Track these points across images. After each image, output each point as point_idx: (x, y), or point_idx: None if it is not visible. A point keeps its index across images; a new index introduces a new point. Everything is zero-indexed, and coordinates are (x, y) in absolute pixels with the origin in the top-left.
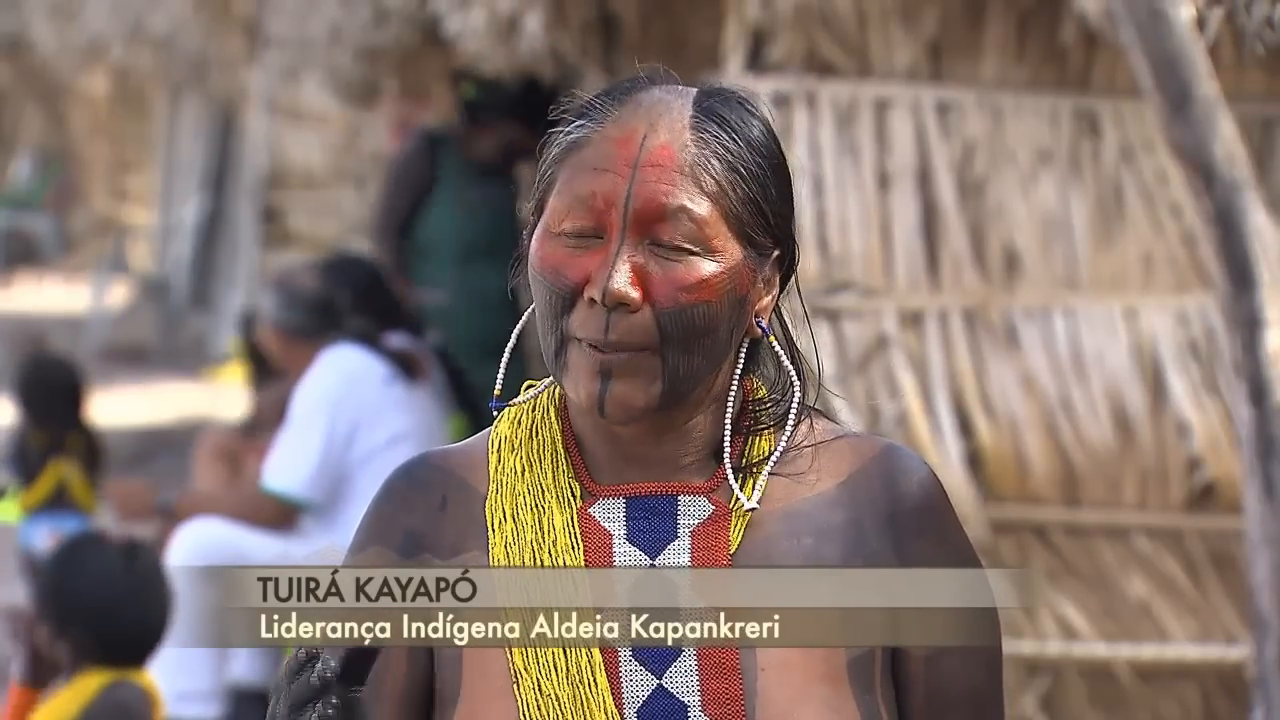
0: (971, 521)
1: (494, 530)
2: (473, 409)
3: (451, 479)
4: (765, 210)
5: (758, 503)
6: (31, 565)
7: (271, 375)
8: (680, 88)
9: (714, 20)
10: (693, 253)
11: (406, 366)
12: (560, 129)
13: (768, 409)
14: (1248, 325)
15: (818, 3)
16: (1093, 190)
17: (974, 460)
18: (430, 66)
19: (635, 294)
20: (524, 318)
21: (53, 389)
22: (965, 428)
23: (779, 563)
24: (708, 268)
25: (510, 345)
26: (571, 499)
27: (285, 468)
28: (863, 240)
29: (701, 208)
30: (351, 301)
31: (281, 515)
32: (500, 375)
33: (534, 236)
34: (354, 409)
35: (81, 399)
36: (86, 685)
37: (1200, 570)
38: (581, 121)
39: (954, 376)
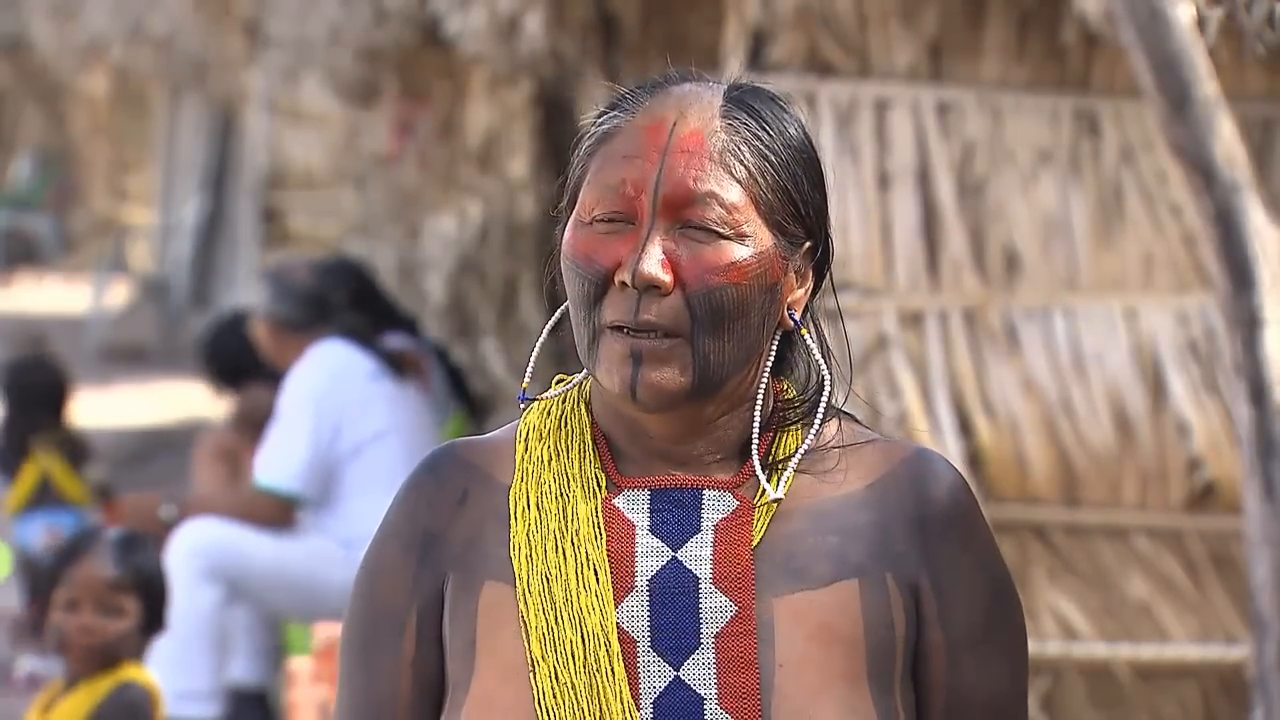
0: None
1: (517, 518)
2: (472, 408)
3: (475, 472)
4: (795, 199)
5: (783, 495)
6: (27, 564)
7: (243, 379)
8: (711, 82)
9: (714, 20)
10: (723, 236)
11: (396, 364)
12: (592, 122)
13: (796, 408)
14: (1247, 325)
15: (818, 3)
16: (1093, 190)
17: (974, 460)
18: (430, 66)
19: (666, 276)
20: (557, 314)
21: (34, 386)
22: (965, 428)
23: (802, 558)
24: (737, 251)
25: (540, 340)
26: (597, 489)
27: (275, 464)
28: (863, 240)
29: (731, 193)
30: (347, 299)
31: (278, 512)
32: (529, 369)
33: (566, 228)
34: (339, 404)
35: (63, 397)
36: (96, 687)
37: (1200, 570)
38: (613, 113)
39: (954, 376)
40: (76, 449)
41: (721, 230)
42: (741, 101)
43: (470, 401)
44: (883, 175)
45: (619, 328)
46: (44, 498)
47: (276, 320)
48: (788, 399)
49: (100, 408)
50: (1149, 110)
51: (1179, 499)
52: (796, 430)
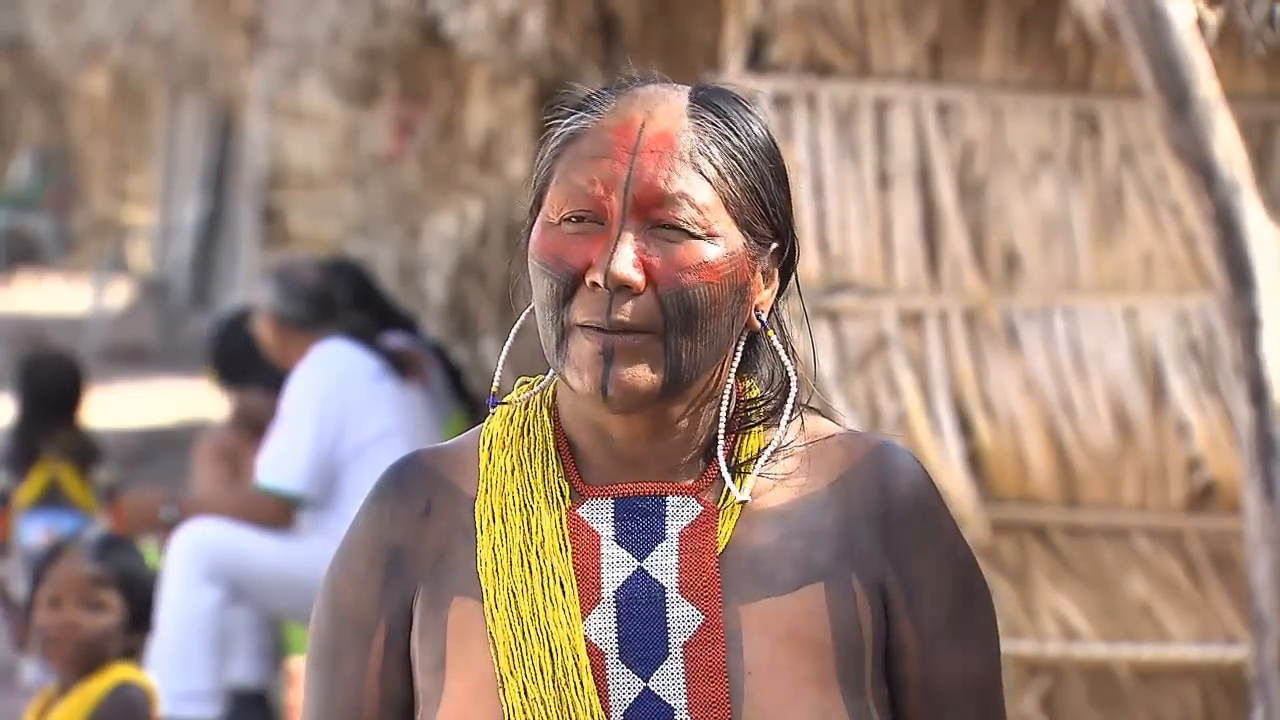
0: (971, 521)
1: (482, 530)
2: (472, 408)
3: (439, 482)
4: (763, 198)
5: (748, 498)
6: (29, 562)
7: (243, 379)
8: (676, 84)
9: (714, 20)
10: (693, 236)
11: (399, 364)
12: (557, 123)
13: (760, 407)
14: (1247, 325)
15: (818, 3)
16: (1093, 190)
17: (974, 460)
18: (430, 66)
19: (638, 276)
20: (522, 315)
21: (49, 385)
22: (965, 428)
23: (768, 564)
24: (708, 251)
25: (508, 342)
26: (560, 499)
27: (278, 464)
28: (863, 240)
29: (701, 193)
30: (350, 299)
31: (279, 512)
32: (498, 371)
33: (533, 229)
34: (343, 404)
35: (78, 398)
36: (94, 687)
37: (1200, 570)
38: (579, 114)
39: (954, 376)
40: (87, 452)
41: (692, 230)
42: (708, 102)
43: (470, 401)
44: (883, 175)
45: (591, 327)
46: (51, 499)
47: (281, 318)
48: (751, 398)
49: (100, 408)
50: (1149, 110)
51: (1179, 499)
52: (759, 431)
